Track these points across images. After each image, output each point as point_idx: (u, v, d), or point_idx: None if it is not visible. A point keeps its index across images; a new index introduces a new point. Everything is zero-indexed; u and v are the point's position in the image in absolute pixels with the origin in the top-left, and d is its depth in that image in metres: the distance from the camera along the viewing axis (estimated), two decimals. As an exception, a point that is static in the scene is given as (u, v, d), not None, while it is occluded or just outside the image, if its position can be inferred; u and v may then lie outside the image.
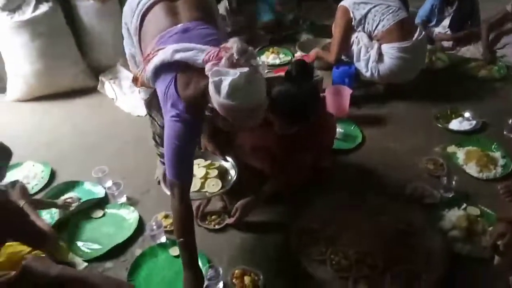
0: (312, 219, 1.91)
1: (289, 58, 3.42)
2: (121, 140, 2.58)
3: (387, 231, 1.84)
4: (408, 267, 1.66)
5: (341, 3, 2.73)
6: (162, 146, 1.59)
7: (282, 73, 1.93)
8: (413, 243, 1.77)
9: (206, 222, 1.94)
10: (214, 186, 1.87)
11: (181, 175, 1.51)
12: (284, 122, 1.76)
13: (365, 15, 2.63)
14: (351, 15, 2.65)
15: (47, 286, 1.18)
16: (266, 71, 3.18)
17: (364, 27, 2.66)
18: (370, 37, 2.67)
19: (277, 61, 3.42)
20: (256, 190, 1.94)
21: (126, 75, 3.05)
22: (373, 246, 1.75)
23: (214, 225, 1.92)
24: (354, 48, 2.72)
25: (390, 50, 2.59)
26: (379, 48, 2.62)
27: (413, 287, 1.61)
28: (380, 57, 2.63)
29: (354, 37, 2.71)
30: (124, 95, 2.96)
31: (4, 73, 3.11)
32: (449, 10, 3.38)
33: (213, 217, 1.96)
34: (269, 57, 3.45)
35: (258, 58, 3.31)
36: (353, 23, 2.67)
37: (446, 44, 3.39)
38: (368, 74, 2.73)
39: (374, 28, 2.62)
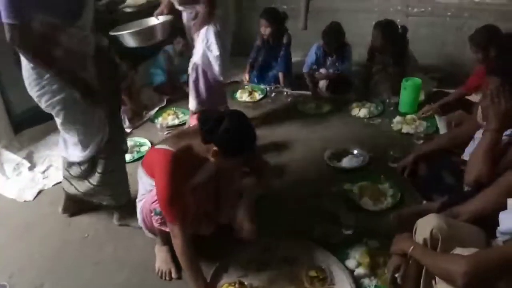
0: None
1: (187, 117, 3.46)
2: (8, 231, 2.31)
3: (302, 280, 1.87)
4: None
5: None
6: None
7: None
8: (325, 288, 1.82)
9: None
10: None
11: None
12: (232, 156, 1.75)
13: None
14: None
15: None
16: (165, 132, 3.20)
17: None
18: None
19: (176, 121, 3.43)
20: None
21: (8, 158, 2.79)
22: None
23: None
24: None
25: None
26: None
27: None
28: None
29: None
30: (7, 180, 2.69)
31: None
32: (330, 60, 3.73)
33: None
34: (167, 118, 3.45)
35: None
36: None
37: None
38: None
39: None
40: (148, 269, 1.99)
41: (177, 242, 1.73)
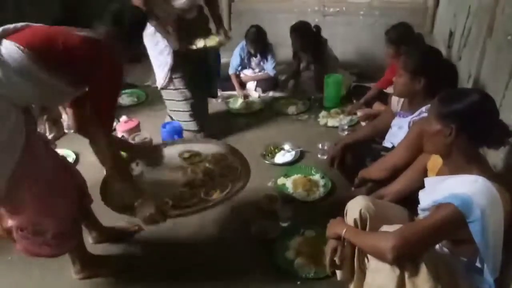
0: None
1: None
2: None
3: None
4: None
5: None
6: None
7: None
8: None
9: None
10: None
11: None
12: None
13: None
14: None
15: None
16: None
17: None
18: None
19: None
20: None
21: None
22: None
23: None
24: None
25: None
26: None
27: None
28: None
29: None
30: None
31: None
32: (254, 60, 3.82)
33: None
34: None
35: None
36: None
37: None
38: None
39: None
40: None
41: (102, 142, 1.66)
